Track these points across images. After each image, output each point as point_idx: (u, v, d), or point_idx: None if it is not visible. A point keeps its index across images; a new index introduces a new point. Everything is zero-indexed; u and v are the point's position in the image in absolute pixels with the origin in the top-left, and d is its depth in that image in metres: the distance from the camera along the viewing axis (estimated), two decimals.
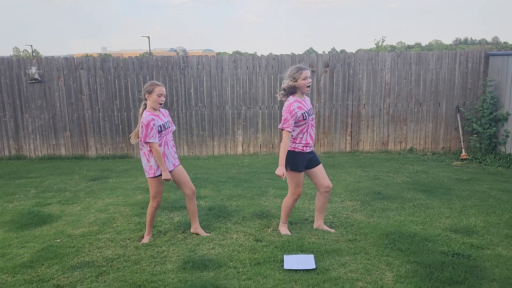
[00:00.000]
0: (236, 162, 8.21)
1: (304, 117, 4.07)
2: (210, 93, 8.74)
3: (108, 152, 8.97)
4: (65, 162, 8.56)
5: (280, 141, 8.78)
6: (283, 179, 4.06)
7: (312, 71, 8.60)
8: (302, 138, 4.11)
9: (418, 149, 8.84)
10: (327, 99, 8.72)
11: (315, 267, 3.56)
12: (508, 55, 7.88)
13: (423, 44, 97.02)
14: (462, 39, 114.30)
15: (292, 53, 8.75)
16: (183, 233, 4.42)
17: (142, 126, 3.96)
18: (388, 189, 5.97)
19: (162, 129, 4.05)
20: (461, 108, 8.57)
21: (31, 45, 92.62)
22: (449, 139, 8.80)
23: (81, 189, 6.35)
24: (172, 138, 4.23)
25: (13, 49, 70.82)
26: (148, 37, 53.60)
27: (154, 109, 4.07)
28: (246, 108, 8.84)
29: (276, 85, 8.72)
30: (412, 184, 6.26)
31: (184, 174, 4.26)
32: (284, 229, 4.41)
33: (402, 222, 4.61)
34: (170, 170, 4.13)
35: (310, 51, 57.39)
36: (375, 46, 23.72)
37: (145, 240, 4.26)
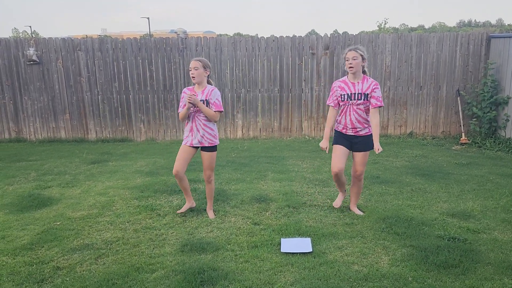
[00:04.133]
0: (235, 146, 8.21)
1: (342, 98, 4.20)
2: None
3: (108, 136, 8.97)
4: (65, 145, 8.58)
5: (281, 125, 8.82)
6: (327, 153, 4.34)
7: (312, 54, 8.52)
8: (340, 119, 4.28)
9: (418, 133, 8.82)
10: (327, 82, 8.65)
11: (311, 250, 3.60)
12: (510, 37, 7.79)
13: (426, 27, 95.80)
14: (466, 21, 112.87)
15: (293, 35, 8.63)
16: (182, 216, 4.46)
17: None
18: (386, 173, 5.98)
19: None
20: (462, 92, 8.52)
21: (30, 26, 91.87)
22: (449, 123, 8.77)
23: (81, 172, 6.38)
24: (205, 118, 4.24)
25: (12, 30, 70.29)
26: (148, 18, 53.03)
27: (195, 84, 4.28)
28: (245, 91, 8.79)
29: (276, 68, 8.65)
30: (411, 168, 6.27)
31: (206, 160, 4.36)
32: (338, 200, 4.61)
33: (400, 206, 4.64)
34: (195, 146, 4.30)
35: (312, 33, 56.57)
36: (377, 29, 23.44)
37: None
